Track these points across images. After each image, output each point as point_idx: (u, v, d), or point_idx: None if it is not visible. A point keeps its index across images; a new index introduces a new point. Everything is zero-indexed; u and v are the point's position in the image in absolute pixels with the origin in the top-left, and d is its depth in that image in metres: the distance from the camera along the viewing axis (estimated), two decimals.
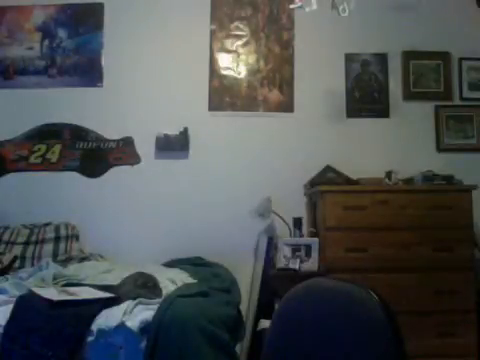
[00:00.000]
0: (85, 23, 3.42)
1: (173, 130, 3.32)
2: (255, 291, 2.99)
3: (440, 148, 3.42)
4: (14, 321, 1.94)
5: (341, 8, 2.63)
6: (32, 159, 3.31)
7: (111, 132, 3.35)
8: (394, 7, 3.42)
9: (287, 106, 3.42)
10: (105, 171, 3.34)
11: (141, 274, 2.44)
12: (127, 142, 3.35)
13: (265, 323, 2.59)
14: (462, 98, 3.48)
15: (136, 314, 1.97)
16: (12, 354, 1.86)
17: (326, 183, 3.02)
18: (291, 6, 2.70)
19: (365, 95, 3.45)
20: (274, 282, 2.82)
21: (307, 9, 2.56)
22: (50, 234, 3.06)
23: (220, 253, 3.07)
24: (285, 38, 3.47)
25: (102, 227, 3.22)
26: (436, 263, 2.80)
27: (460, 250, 2.81)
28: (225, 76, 3.43)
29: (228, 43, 3.46)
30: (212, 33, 3.46)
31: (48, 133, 3.33)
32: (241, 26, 3.47)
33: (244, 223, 3.24)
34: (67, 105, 3.35)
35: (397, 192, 2.94)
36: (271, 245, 3.07)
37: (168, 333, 1.87)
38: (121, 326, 1.91)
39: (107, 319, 1.94)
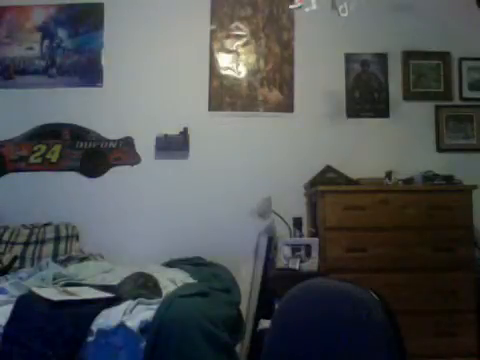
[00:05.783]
0: (85, 23, 3.42)
1: (173, 130, 3.32)
2: (255, 291, 2.99)
3: (440, 148, 3.42)
4: (14, 321, 1.94)
5: (341, 8, 2.63)
6: (32, 159, 3.31)
7: (111, 132, 3.35)
8: (394, 7, 3.42)
9: (287, 106, 3.42)
10: (105, 171, 3.34)
11: (141, 274, 2.44)
12: (127, 142, 3.36)
13: (265, 323, 2.59)
14: (462, 98, 3.48)
15: (136, 314, 1.97)
16: (12, 354, 1.86)
17: (326, 183, 3.02)
18: (291, 6, 2.70)
19: (365, 95, 3.45)
20: (274, 282, 2.82)
21: (307, 9, 2.56)
22: (50, 234, 3.06)
23: (220, 253, 3.07)
24: (285, 38, 3.47)
25: (102, 227, 3.22)
26: (436, 263, 2.81)
27: (460, 250, 2.81)
28: (225, 76, 3.43)
29: (228, 43, 3.46)
30: (212, 33, 3.46)
31: (48, 133, 3.33)
32: (241, 26, 3.47)
33: (244, 223, 3.24)
34: (67, 105, 3.35)
35: (397, 192, 2.94)
36: (271, 245, 3.06)
37: (168, 333, 1.87)
38: (121, 326, 1.90)
39: (107, 319, 1.94)
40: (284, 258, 2.89)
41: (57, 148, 3.32)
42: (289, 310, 1.18)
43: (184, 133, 3.33)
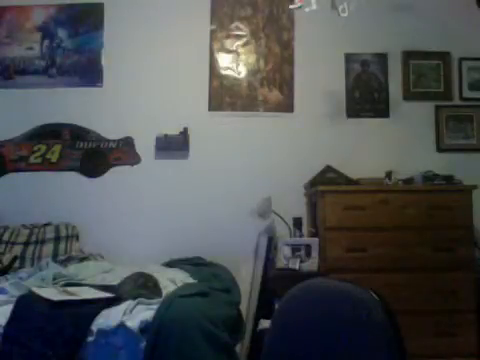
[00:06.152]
0: (85, 23, 3.42)
1: (173, 130, 3.32)
2: (255, 291, 2.99)
3: (440, 148, 3.42)
4: (14, 321, 1.94)
5: (341, 8, 2.63)
6: (32, 159, 3.31)
7: (111, 132, 3.35)
8: (394, 7, 3.42)
9: (287, 106, 3.42)
10: (105, 171, 3.34)
11: (141, 274, 2.44)
12: (127, 142, 3.36)
13: (265, 323, 2.59)
14: (462, 98, 3.48)
15: (136, 314, 1.97)
16: (12, 354, 1.86)
17: (326, 183, 3.02)
18: (291, 6, 2.70)
19: (365, 95, 3.45)
20: (274, 282, 2.82)
21: (307, 9, 2.56)
22: (50, 234, 3.06)
23: (220, 253, 3.07)
24: (285, 38, 3.47)
25: (102, 227, 3.22)
26: (436, 263, 2.81)
27: (460, 250, 2.81)
28: (225, 76, 3.43)
29: (228, 43, 3.46)
30: (212, 33, 3.46)
31: (48, 133, 3.33)
32: (241, 26, 3.47)
33: (244, 223, 3.24)
34: (67, 105, 3.35)
35: (397, 192, 2.95)
36: (271, 245, 3.06)
37: (168, 333, 1.87)
38: (121, 326, 1.91)
39: (107, 319, 1.94)
40: (284, 258, 2.89)
41: (57, 148, 3.32)
42: (289, 310, 1.18)
43: (184, 133, 3.33)
